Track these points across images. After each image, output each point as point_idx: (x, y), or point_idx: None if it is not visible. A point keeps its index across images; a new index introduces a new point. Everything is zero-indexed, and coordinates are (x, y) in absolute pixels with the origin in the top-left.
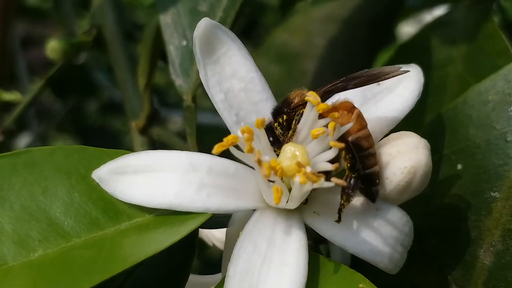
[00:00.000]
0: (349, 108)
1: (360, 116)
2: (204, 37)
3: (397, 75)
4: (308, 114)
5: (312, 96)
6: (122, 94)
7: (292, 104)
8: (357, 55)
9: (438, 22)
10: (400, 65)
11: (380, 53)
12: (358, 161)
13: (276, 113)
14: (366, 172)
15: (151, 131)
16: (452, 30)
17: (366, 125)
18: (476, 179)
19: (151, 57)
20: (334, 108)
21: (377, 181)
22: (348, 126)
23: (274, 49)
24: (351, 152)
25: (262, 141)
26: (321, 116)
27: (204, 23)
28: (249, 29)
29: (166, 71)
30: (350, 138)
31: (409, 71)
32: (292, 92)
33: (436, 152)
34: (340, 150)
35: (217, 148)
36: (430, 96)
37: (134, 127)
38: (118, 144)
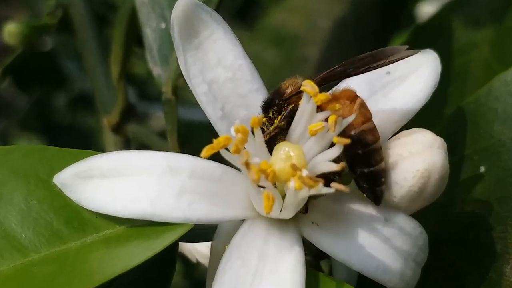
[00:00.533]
0: (351, 97)
1: (363, 106)
2: (184, 18)
3: (406, 57)
4: (305, 107)
5: (308, 86)
6: (92, 86)
7: (285, 95)
8: (368, 39)
9: (459, 1)
10: (407, 46)
11: (394, 36)
12: (361, 157)
13: (266, 106)
14: (370, 169)
15: (125, 128)
16: (475, 9)
17: (371, 117)
18: (502, 183)
19: (126, 42)
20: (335, 98)
21: (383, 180)
22: (351, 118)
23: (271, 31)
24: (354, 148)
25: (257, 141)
26: (319, 108)
27: (183, 2)
28: (245, 10)
29: (144, 59)
30: (353, 132)
31: (419, 51)
32: (285, 81)
33: (455, 152)
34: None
35: (206, 152)
36: (450, 86)
37: (106, 124)
38: (90, 144)
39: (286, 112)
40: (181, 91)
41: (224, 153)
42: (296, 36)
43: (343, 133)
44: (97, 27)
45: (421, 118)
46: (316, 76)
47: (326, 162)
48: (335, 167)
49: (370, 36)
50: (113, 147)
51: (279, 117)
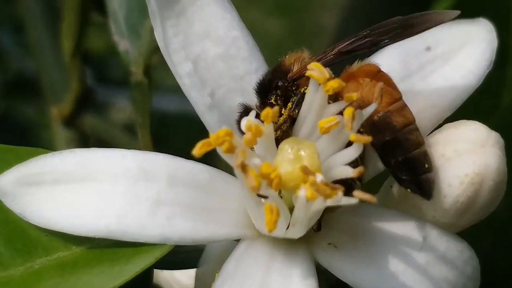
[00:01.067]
0: (372, 73)
1: (388, 85)
2: None
3: (448, 21)
4: (313, 98)
5: (315, 70)
6: (36, 66)
7: (291, 74)
8: (401, 3)
9: None
10: (453, 12)
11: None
12: (393, 144)
13: (264, 89)
14: (407, 156)
15: (81, 121)
16: None
17: (400, 96)
18: None
19: (81, 9)
20: (351, 76)
21: (427, 165)
22: (371, 108)
23: None
24: (381, 134)
25: (266, 140)
26: (332, 97)
27: None
28: None
29: (106, 29)
30: (376, 117)
31: (457, 12)
32: (288, 56)
33: None
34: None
35: (201, 148)
36: (509, 65)
37: (56, 115)
38: (30, 141)
39: (297, 97)
40: (152, 71)
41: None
42: (306, 0)
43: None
44: None
45: (470, 107)
46: (329, 50)
47: (340, 166)
48: (351, 172)
49: (405, 1)
50: (64, 145)
51: (289, 104)
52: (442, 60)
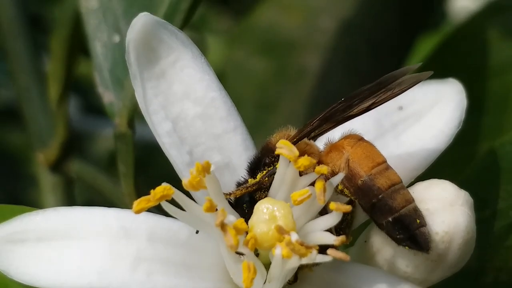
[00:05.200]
0: (353, 143)
1: (369, 150)
2: (142, 40)
3: (416, 83)
4: (284, 173)
5: (285, 149)
6: (22, 108)
7: (276, 151)
8: (384, 44)
9: (496, 7)
10: (426, 73)
11: (418, 39)
12: (380, 206)
13: (254, 168)
14: (395, 216)
15: (67, 166)
16: None
17: (383, 160)
18: None
19: (68, 56)
20: (335, 147)
21: (418, 221)
22: (338, 178)
23: (258, 33)
24: (367, 198)
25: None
26: (302, 172)
27: (141, 20)
28: None
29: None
30: (360, 182)
31: (431, 73)
32: (275, 135)
33: (487, 206)
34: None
35: (138, 205)
36: (485, 115)
37: (42, 161)
38: (18, 171)
39: (274, 168)
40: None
41: (185, 215)
42: (291, 41)
43: (349, 182)
44: (31, 35)
45: (446, 159)
46: (309, 121)
47: (319, 233)
48: (332, 240)
49: (387, 40)
50: (51, 190)
51: (264, 171)
52: (414, 119)
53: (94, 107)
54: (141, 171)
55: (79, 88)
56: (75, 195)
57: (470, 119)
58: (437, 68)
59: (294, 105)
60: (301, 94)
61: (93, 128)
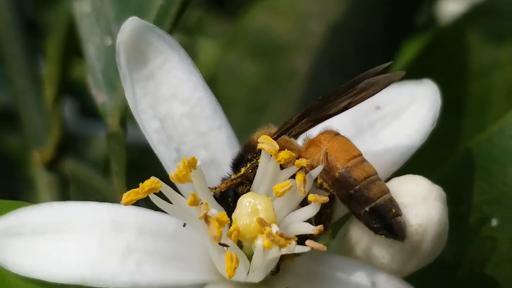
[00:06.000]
0: (330, 138)
1: (345, 143)
2: (132, 43)
3: (388, 84)
4: (266, 167)
5: (266, 144)
6: (18, 110)
7: (258, 147)
8: (372, 47)
9: (478, 11)
10: (400, 73)
11: (406, 42)
12: (357, 197)
13: (237, 164)
14: (372, 205)
15: (62, 166)
16: (499, 21)
17: (359, 153)
18: None
19: (63, 59)
20: (313, 143)
21: (393, 210)
22: (318, 170)
23: (250, 37)
24: (345, 189)
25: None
26: (284, 165)
27: (131, 24)
28: None
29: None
30: (337, 174)
31: (403, 73)
32: (257, 133)
33: (462, 202)
34: (324, 204)
35: (128, 197)
36: (466, 117)
37: (38, 160)
38: (14, 174)
39: (256, 161)
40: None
41: (172, 208)
42: (282, 45)
43: (328, 174)
44: (27, 39)
45: (427, 158)
46: (283, 125)
47: (299, 223)
48: (311, 230)
49: (376, 43)
50: (46, 189)
51: (248, 164)
52: (390, 118)
53: (89, 111)
54: (133, 172)
55: (75, 91)
56: (70, 193)
57: (452, 120)
58: (421, 70)
59: (285, 107)
60: (291, 96)
61: (88, 131)
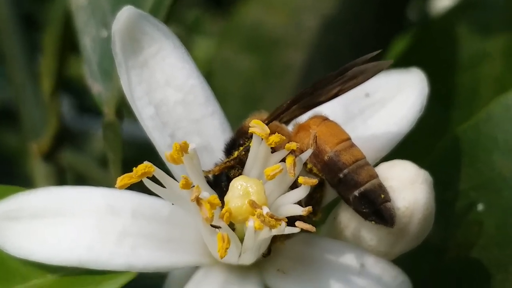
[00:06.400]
0: (319, 122)
1: (334, 128)
2: (127, 32)
3: (376, 72)
4: (257, 150)
5: (257, 127)
6: (17, 103)
7: (250, 132)
8: (365, 41)
9: (466, 4)
10: (387, 62)
11: (398, 37)
12: (346, 181)
13: (230, 149)
14: (361, 190)
15: (59, 156)
16: (487, 14)
17: (347, 138)
18: (503, 224)
19: (60, 51)
20: (302, 127)
21: (382, 196)
22: (308, 153)
23: (245, 31)
24: (334, 173)
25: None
26: (274, 148)
27: (126, 13)
28: None
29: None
30: (326, 157)
31: (391, 61)
32: (249, 119)
33: (449, 187)
34: (314, 187)
35: (122, 181)
36: (455, 108)
37: (35, 151)
38: (12, 172)
39: (248, 144)
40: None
41: (165, 192)
42: (276, 39)
43: (317, 157)
44: (24, 32)
45: (416, 148)
46: (275, 111)
47: (289, 205)
48: (300, 211)
49: (368, 38)
50: (44, 180)
51: (240, 148)
52: (379, 105)
53: (87, 109)
54: (131, 169)
55: (73, 89)
56: (67, 184)
57: (441, 111)
58: (410, 62)
59: (279, 99)
60: (285, 89)
61: (86, 128)
